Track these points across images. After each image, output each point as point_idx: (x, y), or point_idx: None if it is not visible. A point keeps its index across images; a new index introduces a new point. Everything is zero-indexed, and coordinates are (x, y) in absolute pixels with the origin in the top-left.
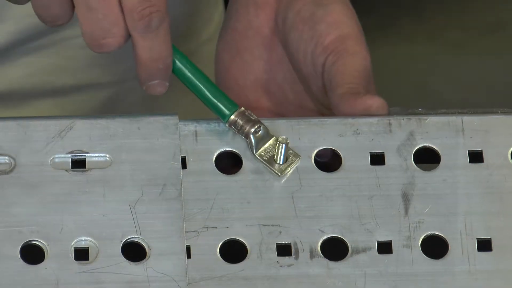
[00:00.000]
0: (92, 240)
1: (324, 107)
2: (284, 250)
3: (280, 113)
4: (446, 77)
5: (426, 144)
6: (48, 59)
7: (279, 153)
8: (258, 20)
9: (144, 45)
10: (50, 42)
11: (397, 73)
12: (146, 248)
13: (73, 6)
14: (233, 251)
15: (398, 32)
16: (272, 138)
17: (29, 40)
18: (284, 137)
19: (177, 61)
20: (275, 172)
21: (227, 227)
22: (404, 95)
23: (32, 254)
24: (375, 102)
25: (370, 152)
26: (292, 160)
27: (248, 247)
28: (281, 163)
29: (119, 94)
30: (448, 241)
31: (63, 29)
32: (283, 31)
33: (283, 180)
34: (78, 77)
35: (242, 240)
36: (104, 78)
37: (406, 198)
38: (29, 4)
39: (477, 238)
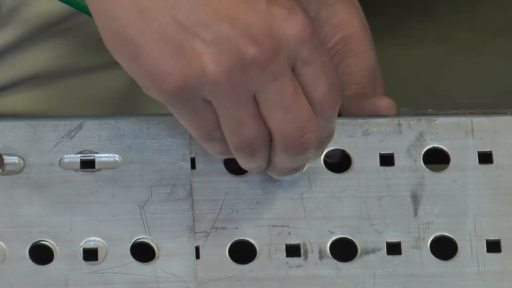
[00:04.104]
0: (101, 240)
1: None
2: (293, 250)
3: None
4: (455, 78)
5: (436, 145)
6: (74, 41)
7: None
8: None
9: (323, 132)
10: (75, 25)
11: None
12: (155, 248)
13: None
14: (242, 252)
15: (407, 33)
16: None
17: (55, 23)
18: None
19: None
20: None
21: (236, 228)
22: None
23: (41, 254)
24: (384, 103)
25: (379, 153)
26: None
27: (257, 248)
28: None
29: None
30: (457, 242)
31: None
32: None
33: (293, 180)
34: (103, 56)
35: (251, 241)
36: None
37: (415, 199)
38: None
39: (486, 239)
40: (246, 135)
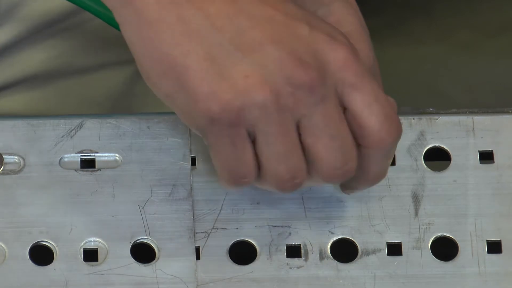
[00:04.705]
0: (101, 241)
1: None
2: (293, 251)
3: None
4: (455, 78)
5: (437, 144)
6: (71, 41)
7: None
8: None
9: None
10: (73, 24)
11: (405, 74)
12: (156, 249)
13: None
14: (243, 252)
15: (407, 33)
16: None
17: (53, 22)
18: None
19: None
20: None
21: (237, 228)
22: (412, 96)
23: (41, 255)
24: None
25: None
26: None
27: (258, 248)
28: None
29: None
30: (458, 242)
31: (83, 11)
32: None
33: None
34: (101, 56)
35: (252, 241)
36: (125, 56)
37: (416, 199)
38: None
39: (487, 240)
40: (291, 166)
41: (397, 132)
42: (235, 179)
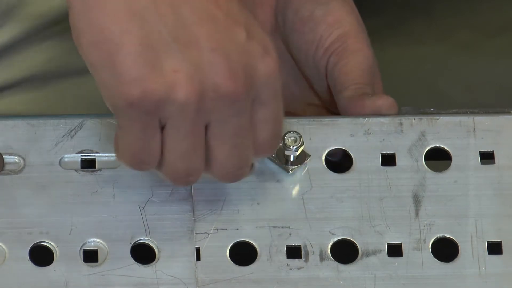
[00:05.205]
0: (102, 241)
1: (329, 105)
2: (294, 252)
3: (287, 111)
4: (455, 78)
5: (437, 145)
6: (69, 42)
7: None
8: (258, 19)
9: None
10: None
11: (405, 74)
12: (156, 250)
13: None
14: (243, 253)
15: (407, 33)
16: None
17: (51, 24)
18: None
19: None
20: (284, 168)
21: (237, 229)
22: (413, 96)
23: (41, 255)
24: (385, 102)
25: (381, 153)
26: (302, 158)
27: (258, 249)
28: (291, 160)
29: None
30: (458, 243)
31: None
32: (283, 31)
33: (294, 181)
34: None
35: (252, 242)
36: None
37: (416, 200)
38: None
39: (487, 241)
40: (189, 165)
41: (272, 151)
42: (135, 163)
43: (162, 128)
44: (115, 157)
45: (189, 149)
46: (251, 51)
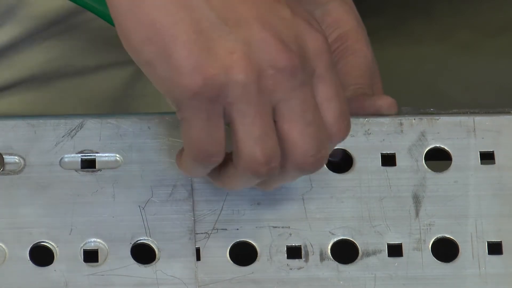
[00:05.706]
0: (102, 241)
1: None
2: (294, 252)
3: None
4: (455, 78)
5: (438, 145)
6: (69, 42)
7: None
8: None
9: None
10: (73, 25)
11: (405, 74)
12: (156, 250)
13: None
14: (243, 253)
15: (407, 33)
16: None
17: (51, 24)
18: None
19: None
20: None
21: (237, 229)
22: (412, 96)
23: (41, 255)
24: (385, 102)
25: (381, 153)
26: None
27: (258, 250)
28: None
29: (139, 71)
30: (458, 244)
31: (82, 12)
32: None
33: (294, 181)
34: (98, 57)
35: (252, 242)
36: (124, 57)
37: (417, 200)
38: None
39: (487, 241)
40: (267, 149)
41: (347, 131)
42: (203, 156)
43: (228, 119)
44: (115, 158)
45: (261, 132)
46: (298, 25)
